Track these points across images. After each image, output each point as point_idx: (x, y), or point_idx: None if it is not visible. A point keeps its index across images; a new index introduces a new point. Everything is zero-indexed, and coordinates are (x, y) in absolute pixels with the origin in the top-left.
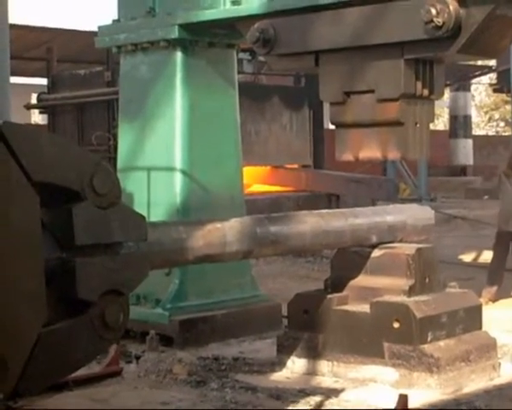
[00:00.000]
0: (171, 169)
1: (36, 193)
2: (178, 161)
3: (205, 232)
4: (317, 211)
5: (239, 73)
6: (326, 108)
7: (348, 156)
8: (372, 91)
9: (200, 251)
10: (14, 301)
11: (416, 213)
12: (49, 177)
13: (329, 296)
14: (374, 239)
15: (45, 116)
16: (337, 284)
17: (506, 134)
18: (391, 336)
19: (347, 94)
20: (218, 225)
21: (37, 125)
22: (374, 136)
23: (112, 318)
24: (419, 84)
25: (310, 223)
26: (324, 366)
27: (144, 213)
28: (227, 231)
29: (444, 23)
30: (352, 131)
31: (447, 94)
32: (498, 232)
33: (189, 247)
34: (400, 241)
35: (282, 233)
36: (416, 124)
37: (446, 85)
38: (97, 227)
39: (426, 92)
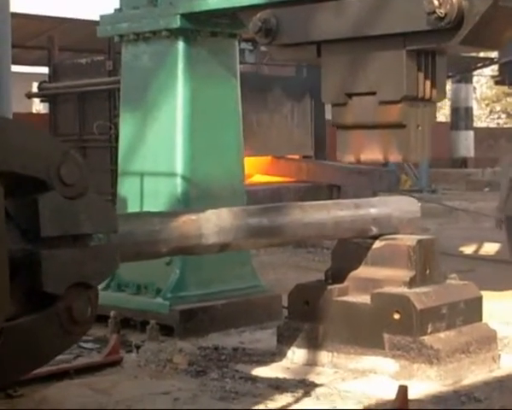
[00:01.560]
0: (172, 159)
1: (0, 183)
2: (180, 150)
3: (179, 224)
4: (299, 203)
5: (241, 63)
6: None
7: (350, 158)
8: (374, 93)
9: (174, 243)
10: None
11: (402, 206)
12: (14, 166)
13: (330, 287)
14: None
15: (46, 105)
16: (338, 274)
17: (507, 126)
18: (391, 328)
19: (349, 95)
20: (194, 216)
21: (39, 114)
22: (375, 138)
23: (79, 311)
24: (421, 86)
25: (290, 215)
26: (324, 356)
27: (145, 202)
28: (203, 224)
29: (446, 14)
30: (353, 133)
31: (449, 86)
32: (507, 219)
33: (162, 239)
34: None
35: (260, 225)
36: (417, 126)
37: (448, 77)
38: (64, 218)
39: (428, 94)
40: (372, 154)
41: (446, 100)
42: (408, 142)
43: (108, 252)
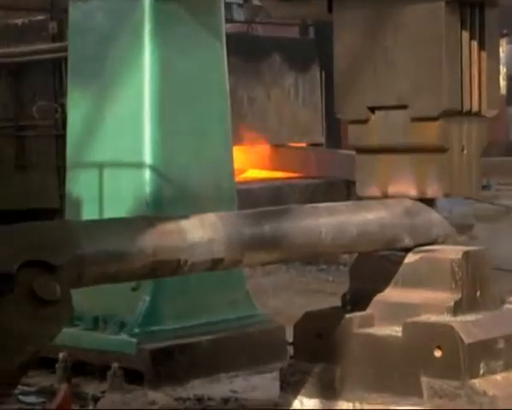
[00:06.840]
0: (137, 151)
1: None
2: (147, 140)
3: (159, 235)
4: (310, 205)
5: (227, 21)
6: None
7: (373, 191)
8: (405, 107)
9: (152, 259)
10: None
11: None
12: None
13: (349, 316)
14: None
15: None
16: (359, 299)
17: None
18: (431, 369)
19: (372, 110)
20: (175, 225)
21: None
22: (407, 165)
23: (44, 290)
24: (467, 95)
25: (299, 221)
26: (343, 407)
27: (103, 208)
28: (187, 233)
29: None
30: (378, 159)
31: (504, 47)
32: None
33: (135, 253)
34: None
35: (261, 235)
36: (462, 149)
37: (503, 36)
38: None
39: (475, 106)
40: (403, 187)
41: (501, 66)
42: (450, 171)
43: (63, 227)
